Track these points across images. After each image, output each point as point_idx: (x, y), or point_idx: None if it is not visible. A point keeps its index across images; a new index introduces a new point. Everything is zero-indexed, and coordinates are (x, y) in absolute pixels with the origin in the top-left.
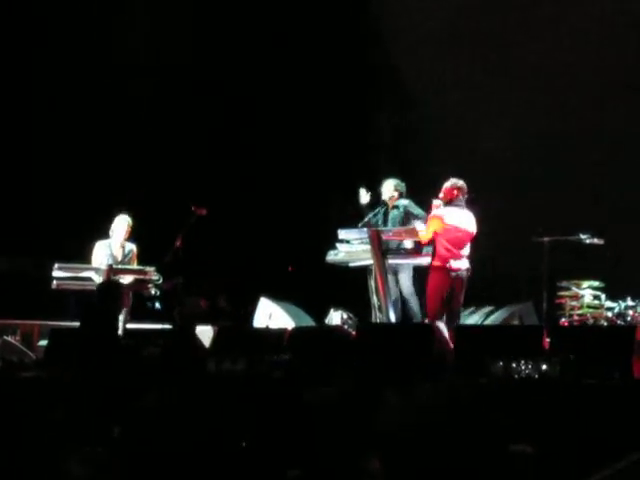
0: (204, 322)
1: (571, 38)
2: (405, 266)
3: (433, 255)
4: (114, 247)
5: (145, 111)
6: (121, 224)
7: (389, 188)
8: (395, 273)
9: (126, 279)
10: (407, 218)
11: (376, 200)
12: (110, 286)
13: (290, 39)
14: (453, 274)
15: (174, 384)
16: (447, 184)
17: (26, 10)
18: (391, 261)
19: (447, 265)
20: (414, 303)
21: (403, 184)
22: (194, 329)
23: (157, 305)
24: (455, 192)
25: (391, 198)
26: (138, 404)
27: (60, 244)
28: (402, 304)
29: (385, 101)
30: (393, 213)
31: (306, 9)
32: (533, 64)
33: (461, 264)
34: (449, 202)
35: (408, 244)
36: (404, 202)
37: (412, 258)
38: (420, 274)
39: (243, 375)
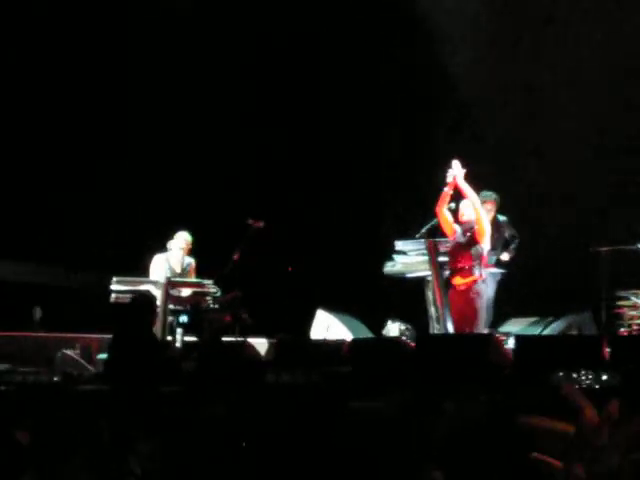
0: (246, 335)
1: None
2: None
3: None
4: (172, 261)
5: (203, 125)
6: (181, 240)
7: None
8: None
9: (184, 292)
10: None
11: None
12: (144, 298)
13: (349, 47)
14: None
15: (234, 396)
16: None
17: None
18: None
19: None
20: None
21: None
22: (220, 341)
23: (184, 318)
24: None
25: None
26: (195, 416)
27: (119, 258)
28: None
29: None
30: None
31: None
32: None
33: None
34: None
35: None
36: (502, 218)
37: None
38: None
39: (302, 387)
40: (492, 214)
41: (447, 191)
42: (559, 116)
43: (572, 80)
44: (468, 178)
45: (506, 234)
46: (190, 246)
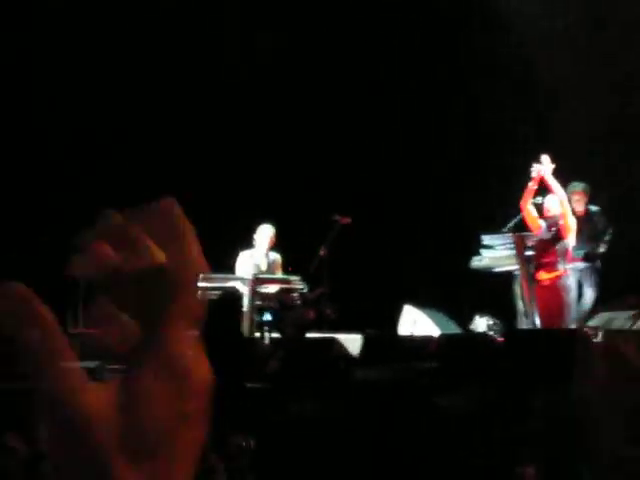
0: (332, 331)
1: None
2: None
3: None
4: (258, 257)
5: (290, 123)
6: (264, 233)
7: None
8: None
9: (271, 288)
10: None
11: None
12: (230, 297)
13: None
14: None
15: (321, 393)
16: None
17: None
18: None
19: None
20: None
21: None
22: (305, 338)
23: (267, 316)
24: None
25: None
26: (284, 415)
27: (205, 254)
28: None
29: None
30: (590, 222)
31: None
32: None
33: None
34: None
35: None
36: (595, 208)
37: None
38: None
39: (390, 383)
40: (582, 205)
41: (532, 186)
42: None
43: None
44: (556, 172)
45: (599, 225)
46: (274, 240)
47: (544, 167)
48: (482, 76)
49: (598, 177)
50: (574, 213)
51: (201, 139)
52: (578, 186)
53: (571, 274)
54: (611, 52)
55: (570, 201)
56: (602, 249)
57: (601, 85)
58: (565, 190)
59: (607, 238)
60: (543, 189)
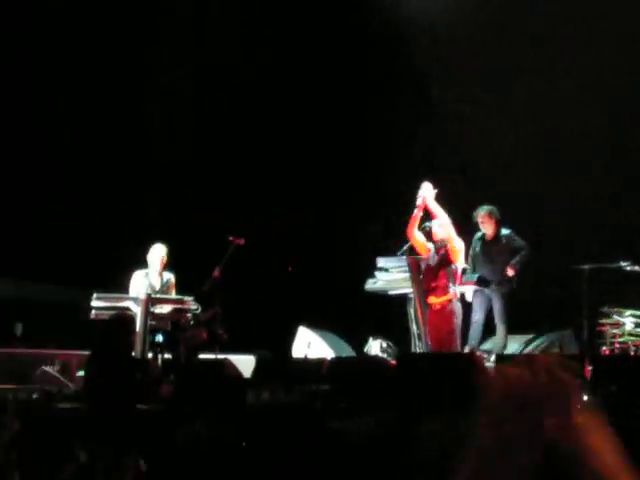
0: (214, 352)
1: None
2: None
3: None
4: (152, 276)
5: (183, 142)
6: (157, 254)
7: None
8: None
9: (164, 309)
10: (509, 248)
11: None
12: (122, 318)
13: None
14: None
15: (214, 415)
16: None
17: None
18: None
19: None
20: (501, 332)
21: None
22: (197, 360)
23: (160, 337)
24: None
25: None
26: (175, 436)
27: (99, 274)
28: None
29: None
30: (498, 244)
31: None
32: None
33: None
34: None
35: None
36: (505, 231)
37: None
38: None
39: (282, 406)
40: (489, 228)
41: (417, 213)
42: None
43: None
44: (440, 197)
45: (509, 248)
46: (166, 259)
47: (426, 193)
48: (374, 102)
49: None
50: (484, 236)
51: (95, 158)
52: (481, 209)
53: (471, 296)
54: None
55: (478, 224)
56: (510, 273)
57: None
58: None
59: (516, 260)
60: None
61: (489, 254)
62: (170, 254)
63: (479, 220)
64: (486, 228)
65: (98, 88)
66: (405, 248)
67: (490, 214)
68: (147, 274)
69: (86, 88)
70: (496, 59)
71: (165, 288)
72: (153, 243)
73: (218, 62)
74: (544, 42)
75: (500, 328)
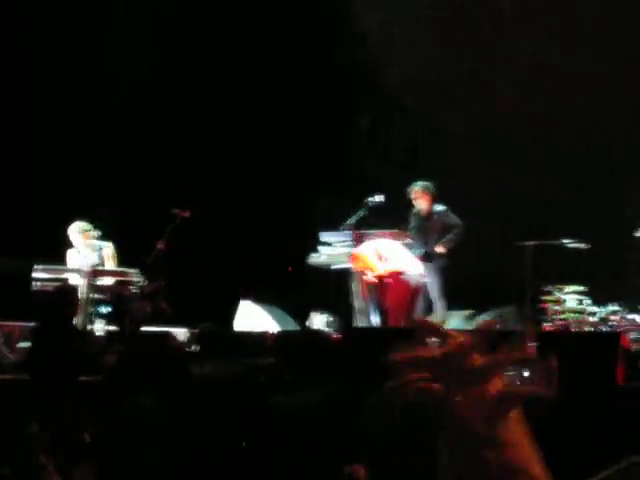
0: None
1: None
2: (429, 270)
3: None
4: (83, 252)
5: (131, 114)
6: (74, 232)
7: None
8: None
9: (107, 280)
10: (443, 225)
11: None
12: (65, 290)
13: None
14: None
15: (158, 388)
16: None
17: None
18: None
19: None
20: (440, 306)
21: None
22: (141, 332)
23: (106, 308)
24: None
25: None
26: (121, 409)
27: (43, 244)
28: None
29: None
30: (430, 220)
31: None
32: None
33: None
34: None
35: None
36: (439, 207)
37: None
38: None
39: (226, 379)
40: (423, 203)
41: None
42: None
43: None
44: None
45: (442, 224)
46: (88, 235)
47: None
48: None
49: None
50: (419, 212)
51: (37, 130)
52: (415, 185)
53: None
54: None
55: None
56: (440, 249)
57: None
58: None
59: (449, 237)
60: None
61: (423, 229)
62: (113, 226)
63: (413, 196)
64: (420, 204)
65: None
66: (349, 222)
67: (424, 190)
68: (79, 251)
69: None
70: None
71: (100, 259)
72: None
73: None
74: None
75: (438, 303)
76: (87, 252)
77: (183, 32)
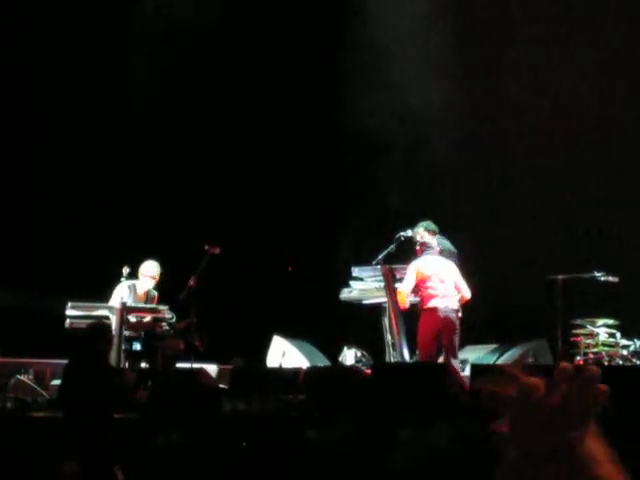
0: (198, 361)
1: None
2: None
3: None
4: (140, 289)
5: (159, 152)
6: (153, 269)
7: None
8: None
9: (140, 318)
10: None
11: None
12: (99, 327)
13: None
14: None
15: (189, 424)
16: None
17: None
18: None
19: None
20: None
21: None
22: (174, 369)
23: (137, 346)
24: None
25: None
26: (151, 445)
27: (76, 283)
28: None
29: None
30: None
31: None
32: None
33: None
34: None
35: None
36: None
37: None
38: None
39: (258, 415)
40: (426, 241)
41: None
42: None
43: None
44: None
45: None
46: (158, 277)
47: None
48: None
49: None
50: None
51: (74, 169)
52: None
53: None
54: None
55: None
56: None
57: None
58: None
59: None
60: None
61: None
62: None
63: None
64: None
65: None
66: (380, 257)
67: (426, 229)
68: (134, 286)
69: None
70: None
71: (149, 303)
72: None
73: None
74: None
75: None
76: (142, 292)
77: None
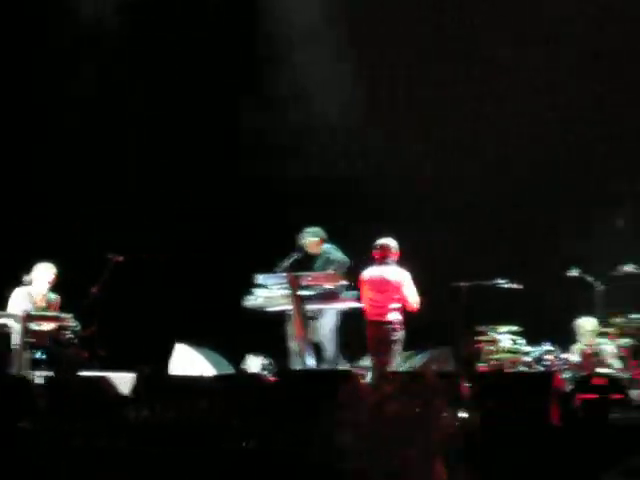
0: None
1: None
2: (327, 310)
3: None
4: (36, 294)
5: (58, 151)
6: (46, 273)
7: (309, 237)
8: (315, 318)
9: (43, 326)
10: (327, 262)
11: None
12: None
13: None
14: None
15: (91, 432)
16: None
17: None
18: (310, 306)
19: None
20: (331, 348)
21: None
22: (77, 377)
23: (40, 354)
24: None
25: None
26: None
27: None
28: (318, 348)
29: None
30: (318, 261)
31: None
32: None
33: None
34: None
35: (328, 288)
36: (326, 246)
37: (331, 303)
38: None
39: (161, 423)
40: (319, 245)
41: None
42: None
43: None
44: None
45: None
46: (53, 279)
47: None
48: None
49: None
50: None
51: None
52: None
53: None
54: None
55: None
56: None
57: None
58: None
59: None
60: None
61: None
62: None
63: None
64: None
65: None
66: (285, 265)
67: (315, 236)
68: (29, 293)
69: None
70: None
71: (51, 308)
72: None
73: None
74: None
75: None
76: (40, 297)
77: None
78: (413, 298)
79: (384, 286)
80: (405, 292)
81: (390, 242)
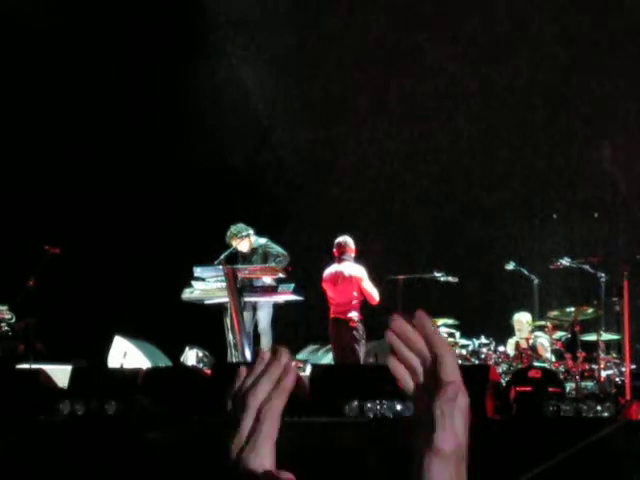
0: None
1: None
2: (264, 303)
3: None
4: None
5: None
6: None
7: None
8: (253, 310)
9: None
10: (266, 257)
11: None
12: None
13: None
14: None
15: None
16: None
17: None
18: (247, 299)
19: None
20: (267, 340)
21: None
22: (13, 370)
23: None
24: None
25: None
26: None
27: None
28: (255, 340)
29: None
30: (255, 255)
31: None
32: None
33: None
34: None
35: (267, 281)
36: (261, 241)
37: (269, 296)
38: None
39: (97, 417)
40: (246, 242)
41: None
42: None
43: None
44: None
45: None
46: None
47: None
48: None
49: None
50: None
51: None
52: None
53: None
54: None
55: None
56: (269, 281)
57: None
58: None
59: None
60: None
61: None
62: None
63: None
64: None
65: None
66: (222, 257)
67: (240, 232)
68: None
69: None
70: None
71: None
72: None
73: None
74: None
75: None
76: None
77: None
78: (372, 291)
79: (343, 282)
80: (364, 285)
81: (347, 239)
